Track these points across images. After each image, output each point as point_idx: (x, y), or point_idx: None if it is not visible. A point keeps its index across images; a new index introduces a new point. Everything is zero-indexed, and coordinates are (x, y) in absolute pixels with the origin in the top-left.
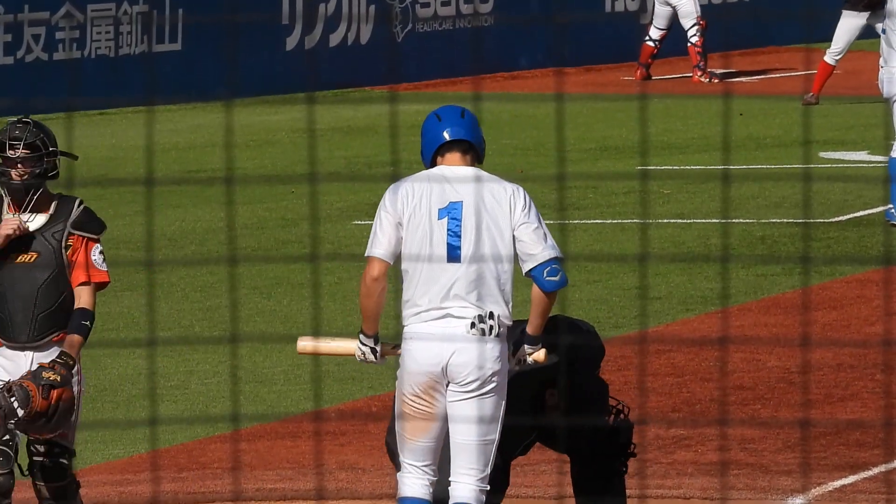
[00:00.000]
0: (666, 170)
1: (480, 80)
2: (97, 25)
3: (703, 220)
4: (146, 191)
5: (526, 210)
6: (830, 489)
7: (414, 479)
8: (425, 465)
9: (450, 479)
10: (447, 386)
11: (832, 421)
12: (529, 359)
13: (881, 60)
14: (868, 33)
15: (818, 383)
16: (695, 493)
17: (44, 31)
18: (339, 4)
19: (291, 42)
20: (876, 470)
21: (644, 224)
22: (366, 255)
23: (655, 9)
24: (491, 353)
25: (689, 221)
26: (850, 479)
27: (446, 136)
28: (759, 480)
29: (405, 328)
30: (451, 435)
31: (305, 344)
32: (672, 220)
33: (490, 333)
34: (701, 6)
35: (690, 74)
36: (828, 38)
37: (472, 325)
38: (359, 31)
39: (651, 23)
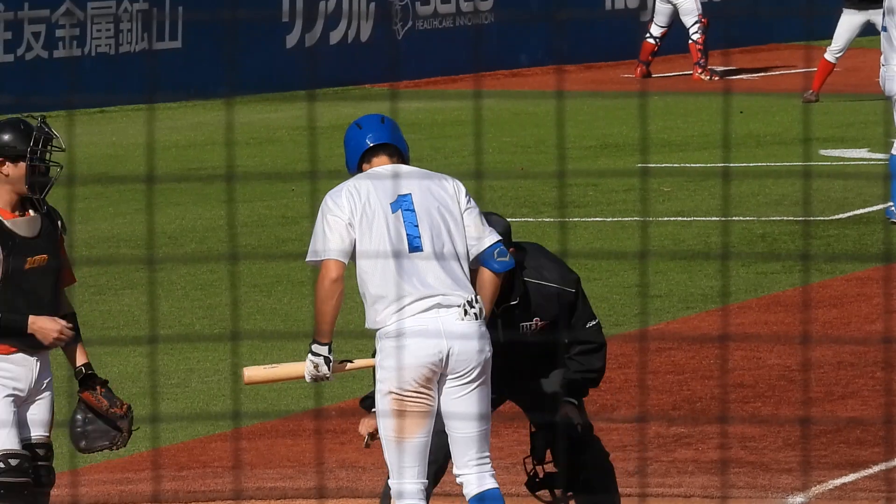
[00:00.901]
0: (666, 167)
1: (481, 78)
2: (97, 23)
3: (704, 218)
4: (147, 189)
5: (467, 198)
6: (831, 487)
7: (411, 486)
8: (421, 469)
9: (456, 472)
10: (441, 378)
11: (832, 419)
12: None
13: (882, 58)
14: (868, 31)
15: (818, 381)
16: (695, 491)
17: (44, 28)
18: (340, 2)
19: (292, 40)
20: (876, 468)
21: (644, 222)
22: (314, 259)
23: (656, 6)
24: (485, 337)
25: (689, 219)
26: (851, 477)
27: (369, 141)
28: (760, 478)
29: (386, 327)
30: (451, 429)
31: (252, 374)
32: (672, 218)
33: (480, 317)
34: (702, 4)
35: (690, 72)
36: (828, 35)
37: (465, 311)
38: (359, 28)
39: (652, 20)
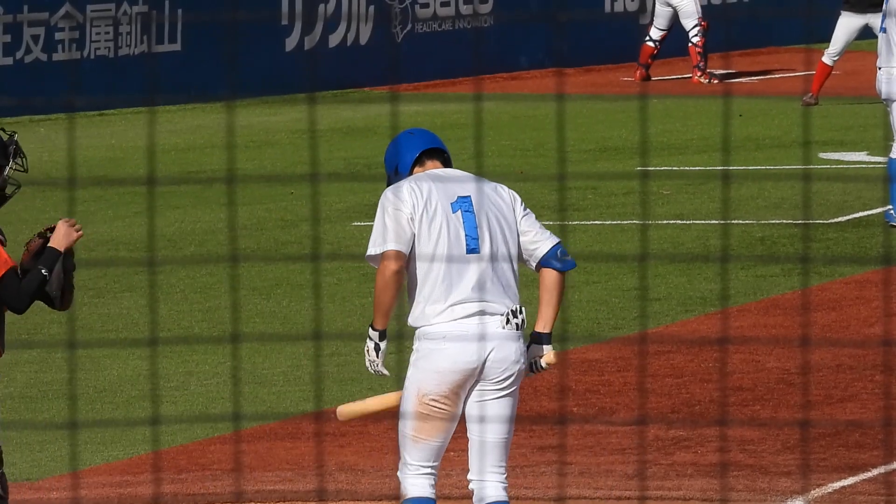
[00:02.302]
0: (665, 170)
1: (480, 81)
2: (96, 26)
3: (703, 221)
4: (146, 191)
5: (522, 205)
6: (830, 490)
7: (421, 479)
8: (433, 465)
9: (471, 478)
10: (475, 384)
11: (832, 422)
12: (542, 361)
13: (879, 61)
14: (866, 34)
15: (818, 384)
16: (694, 494)
17: (43, 31)
18: (339, 5)
19: (291, 42)
20: (875, 471)
21: (644, 225)
22: (375, 252)
23: (656, 9)
24: (521, 349)
25: (688, 222)
26: (850, 480)
27: (424, 144)
28: (759, 482)
29: (428, 327)
30: (473, 434)
31: (345, 410)
32: (671, 221)
33: (521, 328)
34: (701, 6)
35: (690, 75)
36: (827, 38)
37: (507, 320)
38: (358, 31)
39: (651, 23)
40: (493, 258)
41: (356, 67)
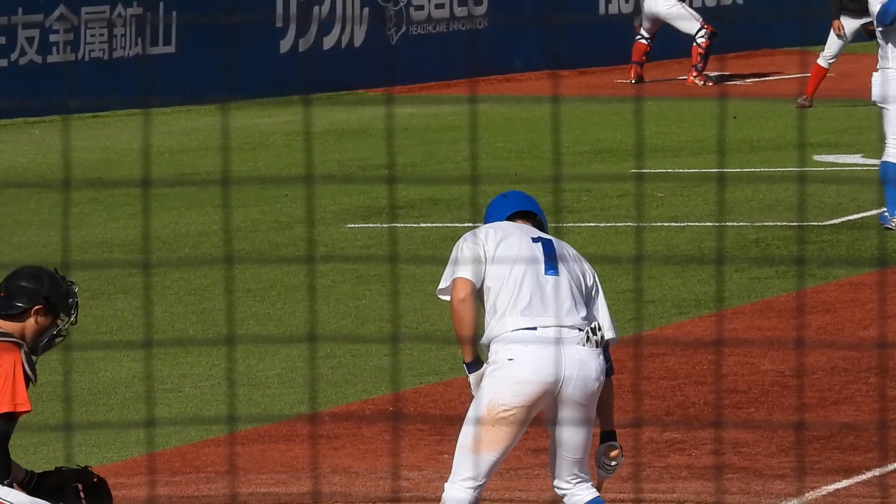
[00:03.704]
0: (660, 172)
1: (475, 83)
2: (91, 28)
3: (698, 224)
4: (141, 193)
5: (597, 282)
6: (824, 493)
7: (464, 493)
8: (482, 483)
9: (558, 486)
10: (551, 402)
11: (826, 424)
12: (612, 460)
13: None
14: (861, 36)
15: (812, 387)
16: (689, 496)
17: (38, 33)
18: (333, 7)
19: (285, 45)
20: (870, 474)
21: (638, 227)
22: (445, 284)
23: (643, 10)
24: (601, 366)
25: (683, 224)
26: (844, 482)
27: (514, 206)
28: (753, 484)
29: (506, 340)
30: (559, 448)
31: None
32: (666, 224)
33: (599, 346)
34: (696, 9)
35: (684, 77)
36: (822, 40)
37: (588, 337)
38: (353, 33)
39: (640, 24)
40: (570, 282)
41: (351, 69)
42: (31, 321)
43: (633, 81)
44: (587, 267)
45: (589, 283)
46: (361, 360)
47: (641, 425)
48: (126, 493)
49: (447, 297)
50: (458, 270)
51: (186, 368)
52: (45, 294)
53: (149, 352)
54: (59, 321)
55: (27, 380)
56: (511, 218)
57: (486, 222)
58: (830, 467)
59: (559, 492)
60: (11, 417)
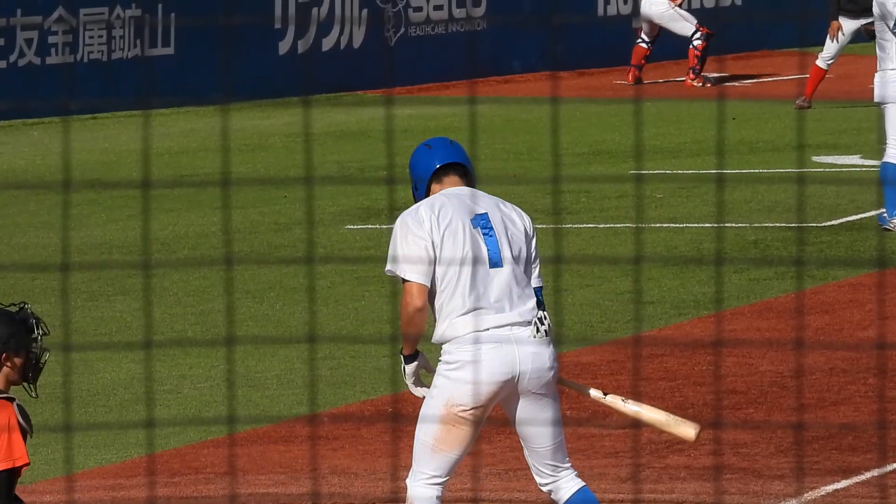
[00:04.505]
0: (659, 174)
1: (474, 84)
2: (90, 29)
3: (697, 225)
4: (140, 195)
5: (534, 233)
6: (823, 493)
7: (430, 490)
8: (445, 479)
9: (541, 482)
10: (509, 396)
11: (825, 425)
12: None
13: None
14: (859, 37)
15: (811, 387)
16: (688, 497)
17: (36, 35)
18: (332, 8)
19: (284, 46)
20: (869, 474)
21: (637, 228)
22: (393, 271)
23: (641, 12)
24: (553, 353)
25: (682, 225)
26: (843, 483)
27: (438, 161)
28: (752, 485)
29: (459, 340)
30: (529, 444)
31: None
32: (665, 225)
33: (549, 334)
34: (693, 11)
35: (683, 79)
36: (820, 41)
37: (537, 329)
38: (352, 34)
39: (641, 27)
40: (515, 270)
41: (350, 71)
42: (6, 369)
43: (631, 84)
44: (524, 222)
45: (530, 249)
46: (360, 362)
47: (640, 426)
48: (125, 494)
49: (394, 276)
50: (410, 272)
51: (186, 370)
52: (3, 341)
53: (148, 353)
54: (32, 348)
55: (23, 432)
56: (439, 172)
57: (412, 175)
58: (829, 468)
59: (544, 489)
60: (12, 473)
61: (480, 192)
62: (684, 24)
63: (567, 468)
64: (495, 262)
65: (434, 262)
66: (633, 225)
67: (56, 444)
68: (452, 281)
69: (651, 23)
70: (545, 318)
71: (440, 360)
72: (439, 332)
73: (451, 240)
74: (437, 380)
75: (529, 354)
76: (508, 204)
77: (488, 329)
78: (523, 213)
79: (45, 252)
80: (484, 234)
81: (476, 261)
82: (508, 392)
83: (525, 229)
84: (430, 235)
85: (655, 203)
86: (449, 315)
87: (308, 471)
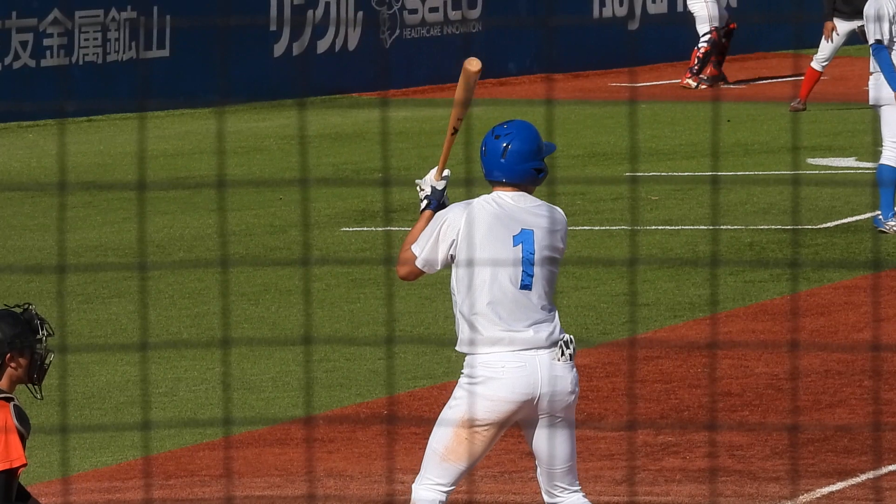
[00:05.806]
0: (654, 176)
1: None
2: (85, 32)
3: (692, 227)
4: (136, 197)
5: (564, 243)
6: (819, 496)
7: (434, 494)
8: (451, 487)
9: (549, 501)
10: (528, 417)
11: (820, 427)
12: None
13: (871, 66)
14: (854, 39)
15: (806, 389)
16: (683, 499)
17: (31, 37)
18: (327, 10)
19: (279, 48)
20: (864, 476)
21: (632, 230)
22: (412, 248)
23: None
24: (575, 378)
25: (677, 228)
26: (839, 485)
27: (508, 173)
28: (748, 487)
29: (485, 355)
30: (547, 465)
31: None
32: (660, 227)
33: (573, 359)
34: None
35: (678, 80)
36: (815, 43)
37: (562, 352)
38: (347, 36)
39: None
40: (544, 291)
41: (345, 73)
42: (10, 370)
43: (705, 80)
44: (561, 232)
45: (557, 268)
46: (356, 364)
47: (636, 428)
48: (121, 496)
49: (412, 255)
50: (421, 257)
51: (181, 372)
52: (7, 341)
53: (143, 355)
54: (37, 349)
55: (19, 434)
56: (505, 184)
57: (484, 158)
58: (825, 470)
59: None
60: (10, 474)
61: (533, 205)
62: (703, 25)
63: (576, 491)
64: (526, 284)
65: (447, 262)
66: (629, 227)
67: (52, 446)
68: (482, 292)
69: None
70: (571, 342)
71: (462, 372)
72: (464, 341)
73: (485, 247)
74: (458, 391)
75: (552, 377)
76: (555, 215)
77: (514, 350)
78: (564, 217)
79: (41, 254)
80: (524, 254)
81: (510, 279)
82: (527, 412)
83: (561, 248)
84: (460, 234)
85: (651, 205)
86: (475, 328)
87: (304, 473)
